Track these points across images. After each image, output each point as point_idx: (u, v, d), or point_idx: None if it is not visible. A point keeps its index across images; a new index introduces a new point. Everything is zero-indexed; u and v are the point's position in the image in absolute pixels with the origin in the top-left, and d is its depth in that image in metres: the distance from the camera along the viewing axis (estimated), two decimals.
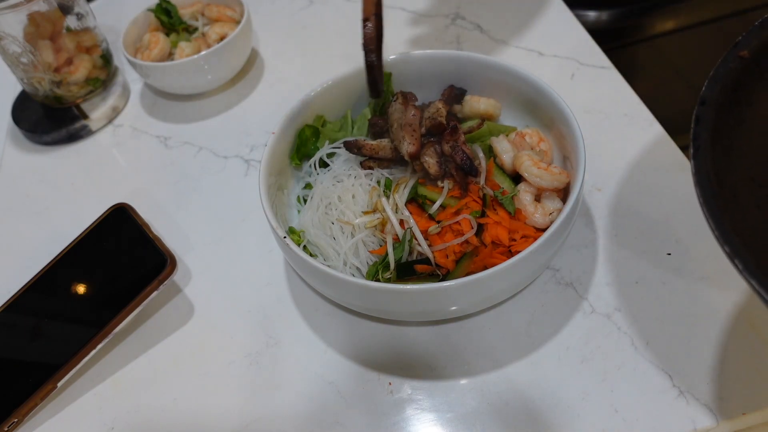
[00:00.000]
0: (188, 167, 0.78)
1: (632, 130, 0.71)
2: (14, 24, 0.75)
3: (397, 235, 0.57)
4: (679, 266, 0.59)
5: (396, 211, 0.58)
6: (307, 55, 0.89)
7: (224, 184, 0.75)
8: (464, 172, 0.58)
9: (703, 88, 0.44)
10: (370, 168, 0.62)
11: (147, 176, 0.77)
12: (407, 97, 0.63)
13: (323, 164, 0.65)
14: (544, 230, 0.55)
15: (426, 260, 0.55)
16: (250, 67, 0.89)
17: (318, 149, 0.66)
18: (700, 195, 0.41)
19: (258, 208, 0.61)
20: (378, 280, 0.56)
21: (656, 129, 0.70)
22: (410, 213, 0.58)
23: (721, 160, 0.43)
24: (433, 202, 0.58)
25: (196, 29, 0.86)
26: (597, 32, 0.83)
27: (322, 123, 0.67)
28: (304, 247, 0.60)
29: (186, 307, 0.64)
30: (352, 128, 0.68)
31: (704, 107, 0.44)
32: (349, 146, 0.62)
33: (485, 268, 0.53)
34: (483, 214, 0.57)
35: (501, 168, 0.61)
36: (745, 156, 0.44)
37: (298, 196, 0.65)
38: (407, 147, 0.59)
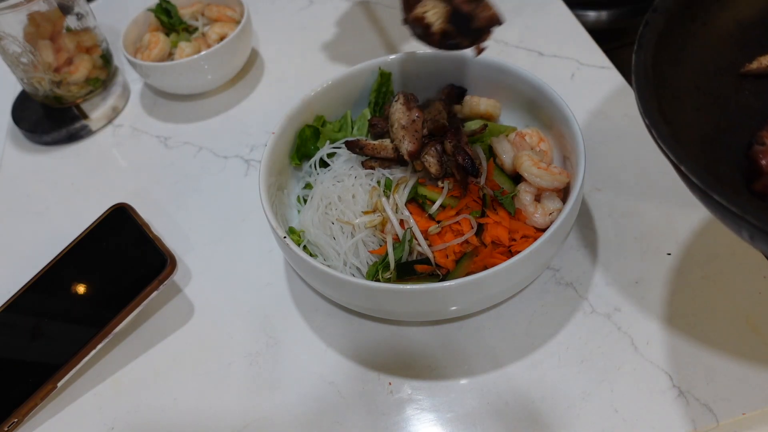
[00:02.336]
0: (188, 167, 0.78)
1: (632, 130, 0.71)
2: (14, 24, 0.75)
3: (397, 235, 0.57)
4: (679, 266, 0.59)
5: (396, 211, 0.58)
6: (307, 55, 0.89)
7: (224, 184, 0.75)
8: (466, 172, 0.58)
9: None
10: (372, 168, 0.62)
11: (147, 176, 0.77)
12: (408, 98, 0.63)
13: (323, 164, 0.65)
14: (544, 230, 0.55)
15: (426, 260, 0.55)
16: (250, 67, 0.89)
17: (318, 149, 0.66)
18: (636, 88, 0.43)
19: (258, 208, 0.61)
20: (378, 280, 0.56)
21: None
22: (410, 213, 0.58)
23: (665, 64, 0.44)
24: (433, 202, 0.58)
25: (196, 29, 0.86)
26: (597, 32, 0.83)
27: (321, 123, 0.67)
28: (304, 247, 0.60)
29: (186, 307, 0.64)
30: (352, 128, 0.68)
31: (655, 14, 0.46)
32: (351, 146, 0.62)
33: (485, 268, 0.53)
34: (483, 214, 0.57)
35: (501, 168, 0.61)
36: (693, 67, 0.46)
37: (298, 196, 0.65)
38: (407, 146, 0.59)
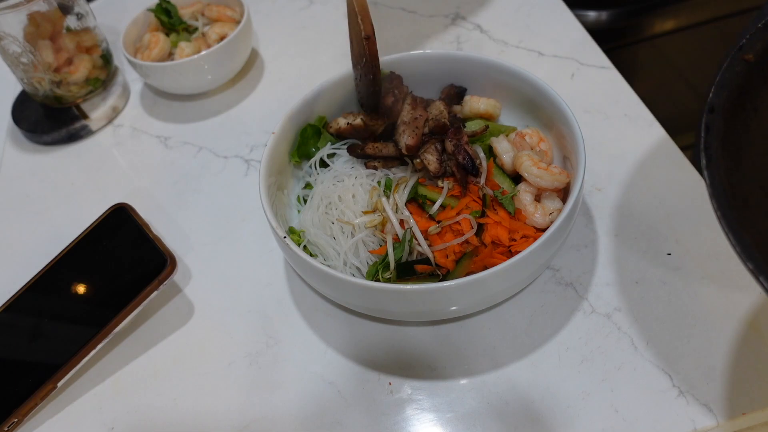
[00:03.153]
0: (188, 167, 0.78)
1: (632, 130, 0.71)
2: (14, 24, 0.75)
3: (397, 235, 0.57)
4: (679, 266, 0.59)
5: (396, 210, 0.58)
6: (307, 55, 0.89)
7: (224, 184, 0.75)
8: (466, 172, 0.58)
9: (711, 95, 0.43)
10: (374, 168, 0.62)
11: (147, 176, 0.77)
12: (417, 101, 0.63)
13: (323, 164, 0.65)
14: (544, 230, 0.55)
15: (426, 260, 0.55)
16: (250, 67, 0.89)
17: (318, 149, 0.66)
18: (718, 208, 0.39)
19: (258, 208, 0.61)
20: (378, 280, 0.56)
21: (656, 129, 0.70)
22: (410, 213, 0.58)
23: (731, 170, 0.41)
24: (433, 202, 0.58)
25: (196, 29, 0.86)
26: (597, 32, 0.83)
27: (323, 124, 0.67)
28: (304, 247, 0.61)
29: (186, 307, 0.64)
30: None
31: (713, 115, 0.42)
32: (352, 150, 0.62)
33: (485, 268, 0.53)
34: (483, 214, 0.57)
35: (501, 168, 0.61)
36: (754, 164, 0.43)
37: (298, 196, 0.65)
38: (406, 140, 0.59)
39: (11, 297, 0.63)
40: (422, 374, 0.56)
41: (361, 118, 0.62)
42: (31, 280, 0.64)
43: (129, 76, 0.90)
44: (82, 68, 0.82)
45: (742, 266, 0.57)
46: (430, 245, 0.56)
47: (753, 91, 0.44)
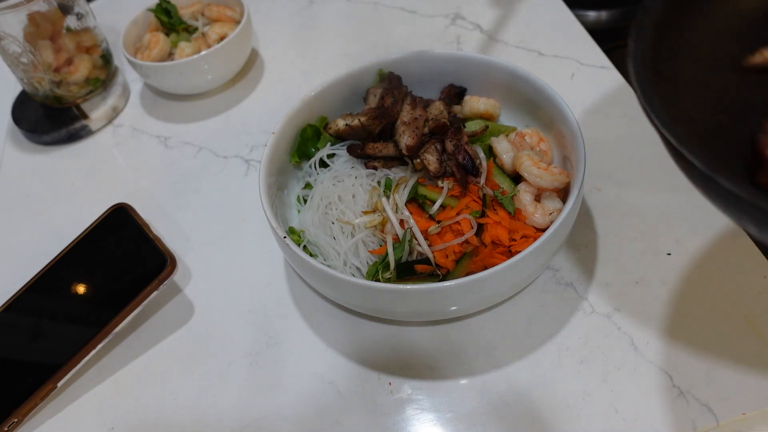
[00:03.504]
0: (188, 167, 0.78)
1: (632, 130, 0.71)
2: (14, 24, 0.75)
3: (397, 235, 0.57)
4: (679, 266, 0.59)
5: (396, 210, 0.58)
6: (307, 55, 0.89)
7: (224, 184, 0.75)
8: (466, 171, 0.58)
9: None
10: (374, 168, 0.62)
11: (147, 176, 0.77)
12: (416, 101, 0.63)
13: (323, 164, 0.65)
14: (544, 230, 0.55)
15: (426, 260, 0.55)
16: (250, 67, 0.89)
17: (318, 150, 0.66)
18: (632, 65, 0.40)
19: (258, 208, 0.61)
20: (378, 280, 0.56)
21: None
22: (410, 213, 0.58)
23: (663, 55, 0.43)
24: (433, 202, 0.58)
25: (196, 29, 0.86)
26: (597, 32, 0.83)
27: (324, 125, 0.67)
28: (304, 247, 0.61)
29: (186, 307, 0.64)
30: None
31: (654, 1, 0.44)
32: (352, 150, 0.62)
33: (485, 268, 0.53)
34: (483, 214, 0.57)
35: (501, 168, 0.61)
36: (691, 60, 0.44)
37: (298, 196, 0.65)
38: (406, 140, 0.59)
39: (11, 297, 0.63)
40: (422, 374, 0.56)
41: (359, 119, 0.61)
42: (31, 280, 0.64)
43: (129, 76, 0.90)
44: (82, 68, 0.82)
45: (741, 266, 0.57)
46: (430, 245, 0.56)
47: None
